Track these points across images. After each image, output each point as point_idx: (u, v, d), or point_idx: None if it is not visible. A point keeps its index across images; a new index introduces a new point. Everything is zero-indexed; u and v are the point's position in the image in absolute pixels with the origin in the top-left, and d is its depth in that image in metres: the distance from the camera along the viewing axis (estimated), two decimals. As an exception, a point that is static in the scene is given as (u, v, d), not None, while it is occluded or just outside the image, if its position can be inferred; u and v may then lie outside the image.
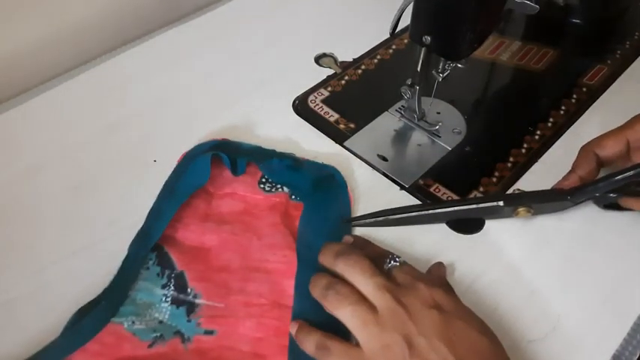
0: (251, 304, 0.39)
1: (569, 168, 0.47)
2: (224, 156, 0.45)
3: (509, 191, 0.47)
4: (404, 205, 0.44)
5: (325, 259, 0.38)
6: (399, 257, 0.38)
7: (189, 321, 0.39)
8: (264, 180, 0.46)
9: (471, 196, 0.47)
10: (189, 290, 0.40)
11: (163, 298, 0.40)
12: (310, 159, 0.48)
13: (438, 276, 0.40)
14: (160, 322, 0.39)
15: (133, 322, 0.38)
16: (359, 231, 0.44)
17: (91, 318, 0.38)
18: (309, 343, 0.35)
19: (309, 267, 0.39)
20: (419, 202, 0.46)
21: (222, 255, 0.42)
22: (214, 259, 0.42)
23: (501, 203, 0.42)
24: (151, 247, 0.41)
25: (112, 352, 0.37)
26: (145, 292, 0.40)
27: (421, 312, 0.34)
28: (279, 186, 0.46)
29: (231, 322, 0.39)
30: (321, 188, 0.45)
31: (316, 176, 0.46)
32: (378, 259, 0.38)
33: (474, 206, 0.43)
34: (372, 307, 0.34)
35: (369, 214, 0.44)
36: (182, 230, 0.43)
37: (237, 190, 0.46)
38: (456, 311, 0.35)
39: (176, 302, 0.40)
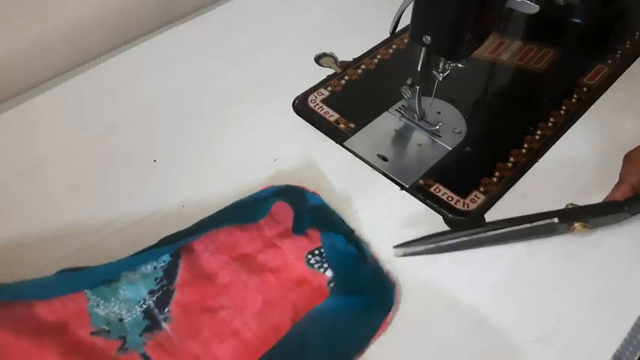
0: None
1: (570, 168, 0.47)
2: (294, 212, 0.43)
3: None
4: (405, 198, 0.44)
5: None
6: None
7: (140, 335, 0.38)
8: (316, 252, 0.42)
9: (472, 196, 0.47)
10: (165, 310, 0.39)
11: (141, 302, 0.39)
12: (379, 261, 0.42)
13: None
14: (120, 319, 0.39)
15: (97, 305, 0.39)
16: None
17: (73, 277, 0.39)
18: None
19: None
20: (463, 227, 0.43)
21: (221, 298, 0.40)
22: (210, 298, 0.40)
23: (556, 220, 0.40)
24: (181, 245, 0.41)
25: (64, 318, 0.38)
26: (132, 289, 0.40)
27: None
28: (325, 266, 0.41)
29: None
30: (367, 295, 0.40)
31: (372, 280, 0.41)
32: None
33: (528, 225, 0.41)
34: None
35: (416, 240, 0.42)
36: (210, 253, 0.42)
37: (284, 247, 0.43)
38: None
39: (147, 313, 0.39)
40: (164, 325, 0.39)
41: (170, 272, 0.41)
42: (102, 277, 0.40)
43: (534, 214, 0.41)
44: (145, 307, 0.39)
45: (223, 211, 0.44)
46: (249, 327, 0.39)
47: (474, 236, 0.41)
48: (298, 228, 0.43)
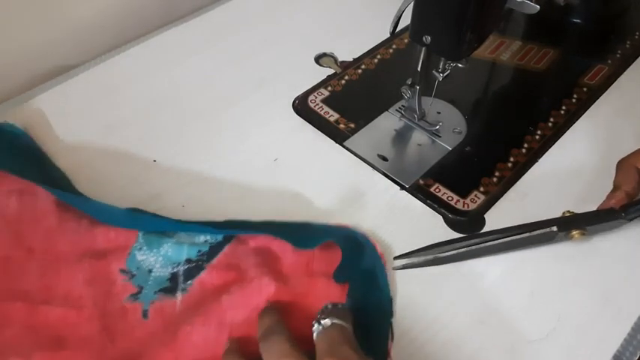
0: (188, 351, 0.37)
1: (570, 168, 0.47)
2: (342, 259, 0.40)
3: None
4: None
5: (258, 334, 0.36)
6: (327, 318, 0.34)
7: (155, 293, 0.39)
8: (339, 307, 0.38)
9: (472, 196, 0.47)
10: (188, 282, 0.40)
11: (176, 265, 0.41)
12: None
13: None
14: (150, 270, 0.40)
15: (140, 249, 0.41)
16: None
17: (137, 216, 0.42)
18: None
19: None
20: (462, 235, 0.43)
21: (234, 288, 0.39)
22: (227, 286, 0.40)
23: (555, 228, 0.41)
24: (239, 233, 0.42)
25: (110, 247, 0.41)
26: (176, 250, 0.41)
27: None
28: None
29: (159, 330, 0.38)
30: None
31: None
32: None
33: (527, 235, 0.41)
34: None
35: (415, 251, 0.41)
36: (255, 254, 0.41)
37: (316, 285, 0.40)
38: None
39: (172, 277, 0.40)
40: (178, 294, 0.40)
41: (213, 251, 0.41)
42: (160, 227, 0.42)
43: (533, 222, 0.41)
44: (175, 270, 0.41)
45: (292, 225, 0.43)
46: (232, 329, 0.38)
47: (474, 247, 0.41)
48: (338, 275, 0.40)
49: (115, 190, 0.46)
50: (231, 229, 0.42)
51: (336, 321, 0.34)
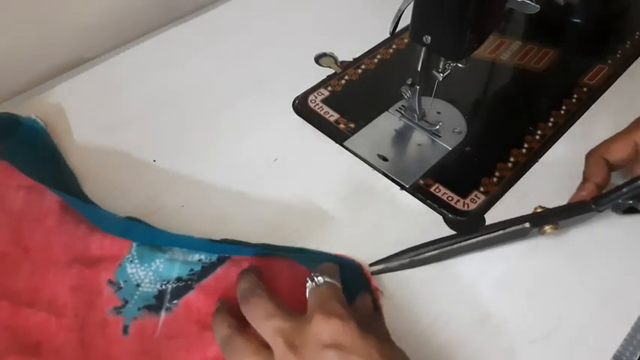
0: None
1: (570, 168, 0.47)
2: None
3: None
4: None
5: (237, 296, 0.37)
6: (319, 276, 0.35)
7: (139, 309, 0.39)
8: None
9: (472, 196, 0.47)
10: (174, 302, 0.39)
11: (165, 282, 0.40)
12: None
13: (363, 305, 0.37)
14: (138, 285, 0.39)
15: (131, 261, 0.40)
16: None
17: (134, 226, 0.41)
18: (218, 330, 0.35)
19: None
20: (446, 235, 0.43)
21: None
22: (210, 314, 0.38)
23: (528, 225, 0.41)
24: (234, 254, 0.41)
25: (103, 255, 0.40)
26: (168, 266, 0.40)
27: (314, 355, 0.31)
28: None
29: (137, 351, 0.37)
30: None
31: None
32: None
33: (500, 232, 0.41)
34: (270, 355, 0.32)
35: (390, 256, 0.42)
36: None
37: None
38: (354, 347, 0.31)
39: (159, 294, 0.39)
40: (162, 313, 0.39)
41: (204, 272, 0.40)
42: (155, 240, 0.41)
43: (506, 220, 0.42)
44: (163, 288, 0.39)
45: (289, 249, 0.43)
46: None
47: (448, 247, 0.41)
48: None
49: (114, 189, 0.46)
50: (227, 250, 0.41)
51: (327, 279, 0.35)
